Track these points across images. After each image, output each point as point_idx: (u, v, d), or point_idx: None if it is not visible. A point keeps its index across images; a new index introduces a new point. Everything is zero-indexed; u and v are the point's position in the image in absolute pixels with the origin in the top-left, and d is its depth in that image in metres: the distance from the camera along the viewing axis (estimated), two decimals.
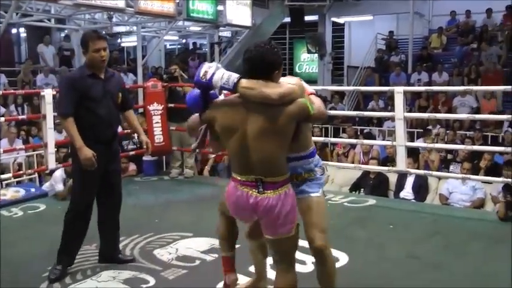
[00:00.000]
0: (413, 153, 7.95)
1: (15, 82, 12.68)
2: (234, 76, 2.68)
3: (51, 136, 6.49)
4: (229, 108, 2.73)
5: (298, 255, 4.33)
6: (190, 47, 20.24)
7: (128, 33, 16.21)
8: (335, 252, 4.36)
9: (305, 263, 4.15)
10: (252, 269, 3.69)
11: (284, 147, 2.75)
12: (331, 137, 11.35)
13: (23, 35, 15.79)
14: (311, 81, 19.05)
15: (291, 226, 2.81)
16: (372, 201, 6.34)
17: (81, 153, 3.89)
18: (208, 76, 2.71)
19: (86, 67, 4.07)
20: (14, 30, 15.51)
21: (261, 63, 2.67)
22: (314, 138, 8.45)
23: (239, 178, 2.78)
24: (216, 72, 2.71)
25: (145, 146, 4.45)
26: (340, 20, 18.79)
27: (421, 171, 7.24)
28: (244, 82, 2.65)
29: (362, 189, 7.76)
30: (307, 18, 17.39)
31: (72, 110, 3.94)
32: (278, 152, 2.74)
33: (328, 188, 7.82)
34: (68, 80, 4.17)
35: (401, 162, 6.32)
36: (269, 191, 2.73)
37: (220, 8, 13.56)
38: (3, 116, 9.70)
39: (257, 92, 2.62)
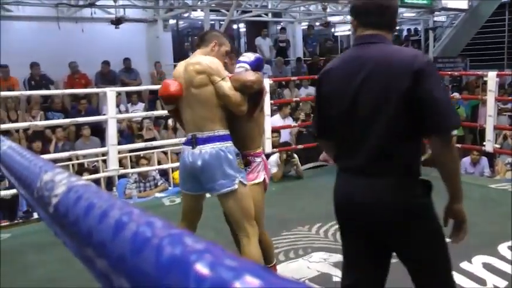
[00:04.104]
0: None
1: None
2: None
3: (267, 121, 6.69)
4: None
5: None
6: (404, 33, 19.84)
7: (342, 23, 16.39)
8: None
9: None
10: None
11: None
12: None
13: (242, 30, 16.79)
14: None
15: None
16: None
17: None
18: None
19: None
20: (234, 26, 16.55)
21: None
22: None
23: None
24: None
25: None
26: None
27: None
28: None
29: None
30: None
31: None
32: None
33: None
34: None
35: None
36: None
37: None
38: None
39: None
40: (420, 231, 2.16)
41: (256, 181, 3.33)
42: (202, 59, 3.17)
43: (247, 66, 3.22)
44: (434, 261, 2.21)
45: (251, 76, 3.16)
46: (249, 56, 3.32)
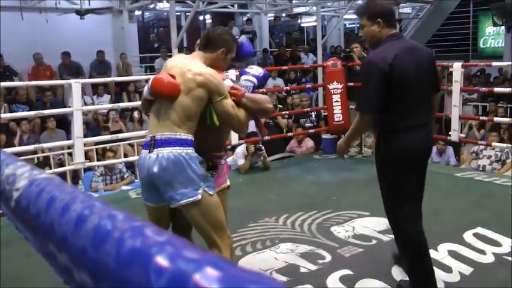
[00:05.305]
0: None
1: None
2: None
3: None
4: None
5: (479, 244, 4.18)
6: None
7: (308, 14, 16.43)
8: None
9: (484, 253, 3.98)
10: None
11: None
12: None
13: (208, 21, 16.71)
14: (496, 56, 17.88)
15: None
16: None
17: None
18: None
19: None
20: (200, 18, 16.46)
21: None
22: (497, 119, 8.08)
23: None
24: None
25: None
26: None
27: None
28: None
29: None
30: None
31: None
32: None
33: None
34: None
35: None
36: None
37: None
38: None
39: None
40: None
41: (227, 184, 3.23)
42: (204, 71, 2.85)
43: (255, 82, 3.08)
44: None
45: (270, 103, 3.07)
46: (258, 70, 3.14)
